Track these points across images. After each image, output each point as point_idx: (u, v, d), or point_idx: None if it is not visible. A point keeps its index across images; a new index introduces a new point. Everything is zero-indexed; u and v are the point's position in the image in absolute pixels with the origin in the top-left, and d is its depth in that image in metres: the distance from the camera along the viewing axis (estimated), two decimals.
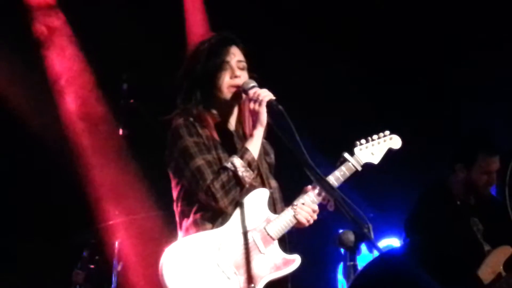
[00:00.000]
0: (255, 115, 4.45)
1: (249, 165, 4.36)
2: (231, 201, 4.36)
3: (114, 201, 8.12)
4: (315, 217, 4.54)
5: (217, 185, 4.30)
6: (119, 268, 7.31)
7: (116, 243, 7.38)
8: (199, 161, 4.36)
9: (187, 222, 4.43)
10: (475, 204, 6.57)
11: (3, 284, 7.96)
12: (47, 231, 8.01)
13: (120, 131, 7.84)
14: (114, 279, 7.25)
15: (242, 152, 4.39)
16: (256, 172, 4.50)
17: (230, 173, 4.32)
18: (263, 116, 4.41)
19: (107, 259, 7.48)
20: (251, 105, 4.44)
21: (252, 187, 4.48)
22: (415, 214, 6.54)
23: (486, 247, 6.40)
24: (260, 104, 4.41)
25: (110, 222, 7.49)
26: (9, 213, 8.10)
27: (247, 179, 4.36)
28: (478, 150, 6.47)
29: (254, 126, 4.46)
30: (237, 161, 4.34)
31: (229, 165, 4.34)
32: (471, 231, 6.42)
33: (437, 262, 5.67)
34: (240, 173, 4.32)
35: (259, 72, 4.62)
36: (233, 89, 4.54)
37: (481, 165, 6.43)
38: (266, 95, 4.42)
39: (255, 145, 4.43)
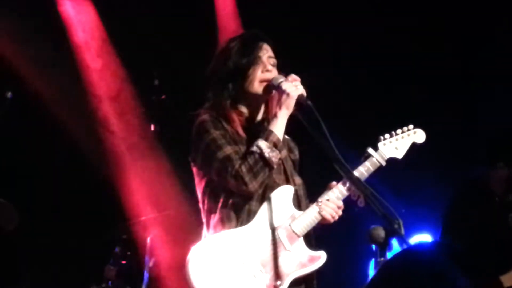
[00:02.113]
0: (282, 102, 4.45)
1: (274, 145, 4.37)
2: (261, 184, 4.36)
3: (146, 197, 8.16)
4: (340, 213, 4.52)
5: (244, 168, 4.30)
6: (150, 264, 7.35)
7: (148, 239, 7.41)
8: (228, 150, 4.37)
9: (214, 220, 4.44)
10: None
11: (38, 278, 8.05)
12: (80, 227, 8.07)
13: (152, 127, 7.86)
14: (145, 275, 7.29)
15: (267, 134, 4.39)
16: (283, 152, 4.52)
17: (257, 156, 4.32)
18: (291, 102, 4.41)
19: (139, 255, 7.51)
20: (282, 97, 4.44)
21: (276, 185, 4.47)
22: (452, 209, 6.49)
23: None
24: (288, 96, 4.41)
25: (142, 218, 7.53)
26: (44, 210, 8.18)
27: (274, 159, 4.36)
28: None
29: (279, 108, 4.45)
30: (262, 143, 4.34)
31: (254, 148, 4.34)
32: (508, 228, 6.36)
33: (469, 259, 5.64)
34: (266, 154, 4.32)
35: (285, 69, 4.63)
36: (264, 83, 4.55)
37: None
38: (295, 89, 4.43)
39: (279, 127, 4.42)
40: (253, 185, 4.33)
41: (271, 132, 4.41)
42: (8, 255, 7.99)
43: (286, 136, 4.69)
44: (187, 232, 7.25)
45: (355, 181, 4.29)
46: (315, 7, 8.63)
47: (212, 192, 4.48)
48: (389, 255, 4.90)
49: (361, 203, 4.49)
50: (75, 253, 7.97)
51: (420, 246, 6.63)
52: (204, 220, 4.54)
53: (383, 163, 4.63)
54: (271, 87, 4.52)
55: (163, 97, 7.78)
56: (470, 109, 8.52)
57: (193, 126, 4.52)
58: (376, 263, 7.19)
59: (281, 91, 4.45)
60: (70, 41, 8.48)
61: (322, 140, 4.16)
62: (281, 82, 4.48)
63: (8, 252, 7.94)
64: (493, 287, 5.99)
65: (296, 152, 4.82)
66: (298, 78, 4.50)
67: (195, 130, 4.51)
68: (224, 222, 4.38)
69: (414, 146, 4.77)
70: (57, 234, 8.16)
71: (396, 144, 4.71)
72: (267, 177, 4.39)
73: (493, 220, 6.30)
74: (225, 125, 4.48)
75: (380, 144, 4.67)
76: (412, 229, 8.43)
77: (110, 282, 7.33)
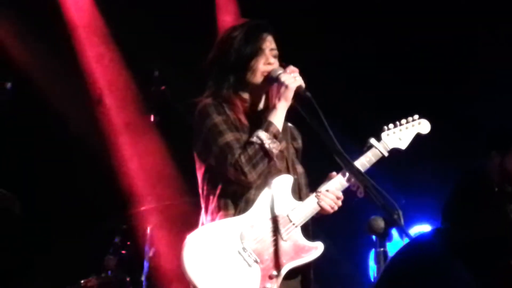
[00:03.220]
0: (281, 94, 4.45)
1: (275, 137, 4.38)
2: (260, 175, 4.37)
3: (147, 187, 8.16)
4: (340, 204, 4.53)
5: (244, 159, 4.30)
6: (150, 254, 7.34)
7: (148, 229, 7.40)
8: (228, 137, 4.38)
9: (211, 206, 4.44)
10: None
11: (37, 268, 8.06)
12: (80, 216, 8.07)
13: (152, 118, 7.85)
14: (145, 265, 7.28)
15: (267, 125, 4.39)
16: (283, 143, 4.52)
17: (257, 146, 4.33)
18: (289, 93, 4.41)
19: (139, 245, 7.51)
20: (281, 89, 4.44)
21: (277, 172, 4.47)
22: (452, 200, 6.48)
23: None
24: (287, 88, 4.41)
25: (142, 208, 7.52)
26: (44, 200, 8.18)
27: (275, 151, 4.37)
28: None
29: (278, 100, 4.45)
30: (262, 134, 4.35)
31: (254, 139, 4.35)
32: (507, 218, 6.35)
33: (469, 249, 5.64)
34: (267, 145, 4.33)
35: (286, 59, 4.63)
36: (265, 75, 4.55)
37: None
38: (294, 81, 4.43)
39: (278, 118, 4.43)
40: (252, 176, 4.33)
41: (271, 123, 4.41)
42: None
43: (290, 124, 4.72)
44: (187, 222, 7.23)
45: (355, 172, 4.28)
46: None
47: (211, 179, 4.49)
48: (388, 245, 4.87)
49: (360, 193, 4.49)
50: (75, 243, 7.97)
51: (421, 238, 6.63)
52: (202, 205, 4.56)
53: (386, 154, 4.63)
54: (270, 79, 4.52)
55: (163, 88, 7.75)
56: (471, 101, 8.51)
57: (195, 111, 4.52)
58: (376, 254, 7.19)
59: (280, 83, 4.45)
60: (70, 32, 8.47)
61: (321, 131, 4.15)
62: (280, 74, 4.48)
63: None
64: (504, 272, 6.00)
65: (300, 141, 4.82)
66: (296, 70, 4.50)
67: (198, 114, 4.51)
68: (221, 209, 4.40)
69: (418, 136, 4.77)
70: (57, 224, 8.18)
71: (400, 135, 4.71)
72: (266, 168, 4.39)
73: (493, 211, 6.30)
74: (228, 111, 4.49)
75: (383, 135, 4.67)
76: (412, 219, 8.44)
77: (109, 272, 7.32)
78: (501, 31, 8.39)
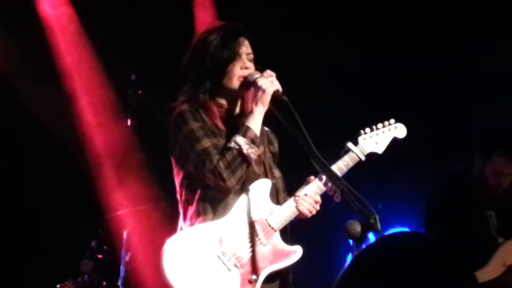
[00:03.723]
0: (258, 98, 4.46)
1: (252, 142, 4.38)
2: (239, 180, 4.37)
3: (123, 192, 8.13)
4: (318, 207, 4.54)
5: (222, 165, 4.30)
6: (127, 258, 7.33)
7: (124, 233, 7.40)
8: (206, 143, 4.36)
9: (190, 211, 4.44)
10: (493, 197, 6.46)
11: (13, 272, 8.01)
12: (56, 221, 8.02)
13: (128, 122, 7.83)
14: (122, 269, 7.27)
15: (244, 130, 4.39)
16: (261, 148, 4.52)
17: (235, 152, 4.32)
18: (266, 97, 4.41)
19: (115, 249, 7.50)
20: (258, 93, 4.44)
21: (256, 177, 4.48)
22: (430, 203, 6.48)
23: (501, 240, 6.33)
24: (264, 92, 4.41)
25: (119, 212, 7.52)
26: (20, 204, 8.14)
27: (253, 156, 4.38)
28: (495, 147, 6.34)
29: (255, 104, 4.45)
30: (240, 139, 4.35)
31: (232, 144, 4.34)
32: (485, 224, 6.36)
33: (443, 254, 5.65)
34: (245, 151, 4.33)
35: (264, 64, 4.63)
36: (242, 80, 4.55)
37: (494, 163, 6.32)
38: (271, 85, 4.43)
39: (256, 123, 4.43)
40: (231, 182, 4.33)
41: (248, 128, 4.41)
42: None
43: (266, 128, 4.71)
44: (164, 226, 7.25)
45: (331, 176, 4.29)
46: None
47: (190, 184, 4.48)
48: None
49: (337, 198, 4.49)
50: (51, 247, 7.94)
51: (395, 235, 6.63)
52: (181, 211, 4.55)
53: (363, 158, 4.64)
54: (247, 84, 4.52)
55: (139, 92, 7.73)
56: (449, 105, 8.53)
57: (171, 117, 4.51)
58: None
59: (257, 87, 4.45)
60: (46, 35, 8.43)
61: (298, 135, 4.16)
62: (257, 78, 4.48)
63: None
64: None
65: (276, 145, 4.83)
66: (273, 74, 4.50)
67: (174, 120, 4.49)
68: (200, 214, 4.39)
69: (394, 141, 4.79)
70: (32, 228, 8.13)
71: (377, 139, 4.72)
72: (245, 173, 4.39)
73: (471, 216, 6.31)
74: (204, 117, 4.48)
75: (360, 139, 4.68)
76: (389, 224, 8.45)
77: (86, 276, 7.31)
78: (501, 31, 8.40)
